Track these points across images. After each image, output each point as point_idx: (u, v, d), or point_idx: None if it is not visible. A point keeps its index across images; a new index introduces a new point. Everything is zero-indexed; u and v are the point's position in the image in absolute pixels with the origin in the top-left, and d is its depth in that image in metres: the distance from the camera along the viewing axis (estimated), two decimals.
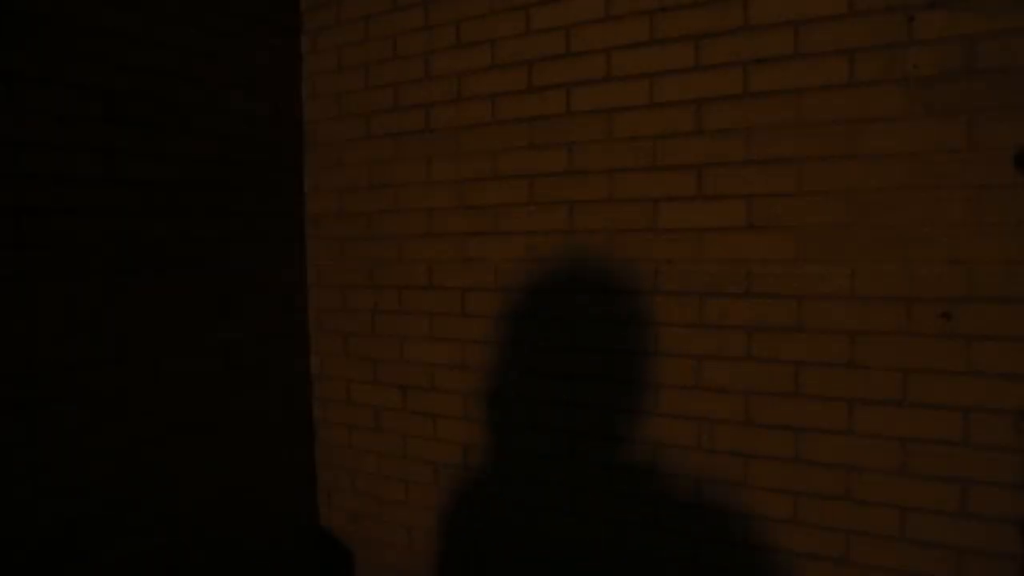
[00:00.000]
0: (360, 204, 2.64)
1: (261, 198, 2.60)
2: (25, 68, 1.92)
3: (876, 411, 1.76)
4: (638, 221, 2.05)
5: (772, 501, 1.89)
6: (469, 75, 2.35)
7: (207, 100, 2.40)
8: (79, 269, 2.05)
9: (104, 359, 2.11)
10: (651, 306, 2.04)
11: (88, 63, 2.06)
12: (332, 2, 2.66)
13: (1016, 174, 1.59)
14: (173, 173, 2.30)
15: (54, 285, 1.99)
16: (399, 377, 2.59)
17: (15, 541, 1.91)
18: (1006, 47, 1.58)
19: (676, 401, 2.01)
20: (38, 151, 1.95)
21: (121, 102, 2.15)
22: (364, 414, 2.70)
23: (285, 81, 2.70)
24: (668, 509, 2.04)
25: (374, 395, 2.66)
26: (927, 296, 1.69)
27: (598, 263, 2.13)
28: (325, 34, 2.70)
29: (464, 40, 2.35)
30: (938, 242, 1.67)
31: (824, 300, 1.81)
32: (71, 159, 2.03)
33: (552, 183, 2.20)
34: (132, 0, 2.17)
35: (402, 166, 2.52)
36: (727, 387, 1.94)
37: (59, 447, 2.00)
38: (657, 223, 2.03)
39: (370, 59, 2.58)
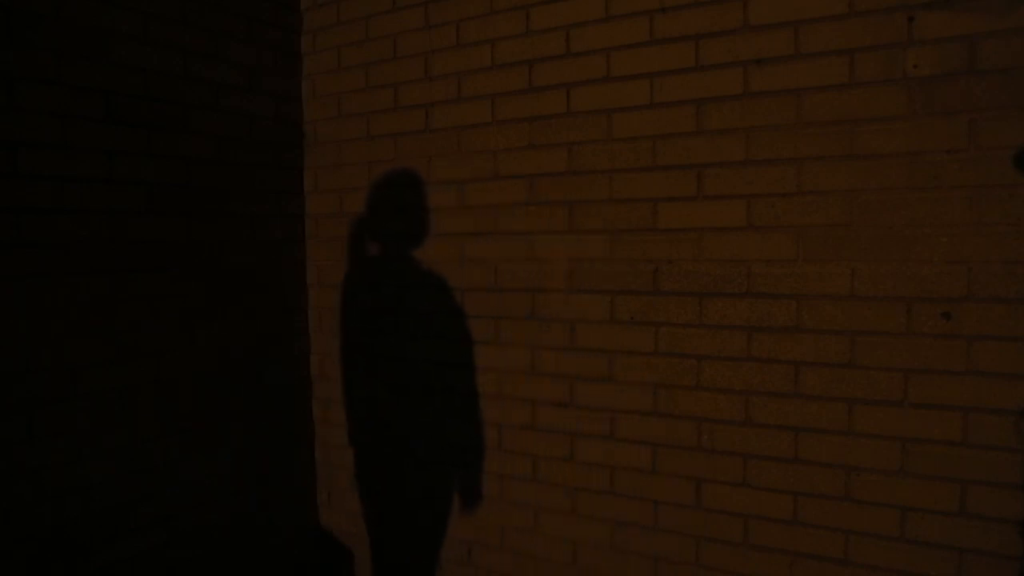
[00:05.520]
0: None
1: (261, 198, 2.60)
2: (25, 68, 1.92)
3: (876, 411, 1.76)
4: (638, 221, 2.05)
5: (772, 501, 1.89)
6: (469, 75, 2.35)
7: (207, 100, 2.40)
8: (79, 269, 2.05)
9: (103, 359, 2.11)
10: (651, 306, 2.04)
11: (88, 63, 2.06)
12: (332, 2, 2.66)
13: (1016, 174, 1.59)
14: (173, 173, 2.30)
15: (54, 285, 1.99)
16: None
17: (15, 541, 1.91)
18: (1007, 47, 1.58)
19: (677, 401, 2.01)
20: (38, 151, 1.95)
21: (121, 102, 2.15)
22: None
23: (285, 81, 2.70)
24: (666, 508, 2.04)
25: None
26: (927, 296, 1.69)
27: (598, 263, 2.13)
28: (325, 34, 2.69)
29: (464, 40, 2.35)
30: (938, 242, 1.67)
31: (824, 300, 1.81)
32: (71, 159, 2.03)
33: (552, 183, 2.20)
34: (132, 0, 2.17)
35: (402, 166, 2.52)
36: (727, 387, 1.94)
37: (59, 447, 2.00)
38: (657, 223, 2.03)
39: (370, 59, 2.58)
